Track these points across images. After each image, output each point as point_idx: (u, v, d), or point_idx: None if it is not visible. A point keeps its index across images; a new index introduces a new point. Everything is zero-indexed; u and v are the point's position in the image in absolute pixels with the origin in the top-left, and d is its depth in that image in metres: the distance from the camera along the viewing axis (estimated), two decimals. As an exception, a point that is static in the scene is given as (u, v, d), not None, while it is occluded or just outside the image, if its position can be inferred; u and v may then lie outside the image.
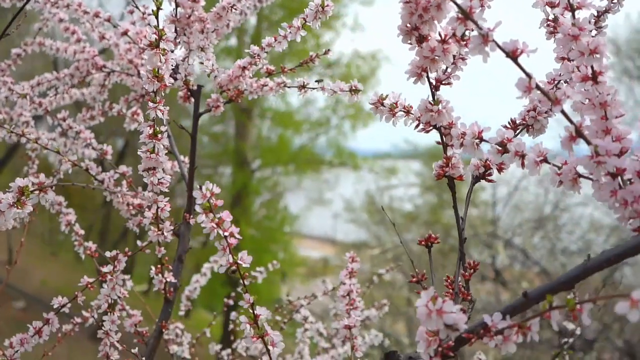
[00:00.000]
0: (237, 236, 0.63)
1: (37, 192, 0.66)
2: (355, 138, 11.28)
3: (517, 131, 0.69)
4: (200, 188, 0.62)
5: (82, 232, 1.10)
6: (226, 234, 0.62)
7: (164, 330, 0.99)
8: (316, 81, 0.93)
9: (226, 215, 0.63)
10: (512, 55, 0.51)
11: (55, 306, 0.91)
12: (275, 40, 0.90)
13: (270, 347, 0.65)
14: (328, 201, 11.86)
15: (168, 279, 0.97)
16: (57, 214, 1.09)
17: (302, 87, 0.95)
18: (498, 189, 7.55)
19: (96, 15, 1.10)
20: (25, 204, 0.68)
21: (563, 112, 0.51)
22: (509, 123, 0.69)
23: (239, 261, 0.63)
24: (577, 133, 0.52)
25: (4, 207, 0.67)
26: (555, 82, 0.70)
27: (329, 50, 1.01)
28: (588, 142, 0.51)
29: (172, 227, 0.91)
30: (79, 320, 1.09)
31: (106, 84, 1.20)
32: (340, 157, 11.06)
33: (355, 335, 0.95)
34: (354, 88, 0.85)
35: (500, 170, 0.68)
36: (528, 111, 0.69)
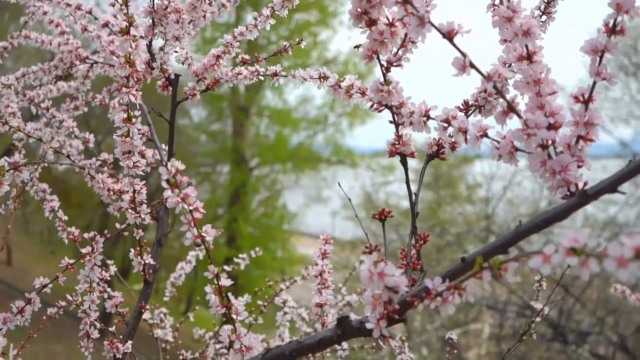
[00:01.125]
0: (202, 210, 0.67)
1: (11, 171, 0.70)
2: (352, 136, 11.32)
3: (470, 111, 0.73)
4: (166, 165, 0.65)
5: (65, 217, 1.13)
6: (191, 208, 0.66)
7: (143, 310, 1.03)
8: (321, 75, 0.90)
9: (191, 191, 0.67)
10: (449, 35, 0.54)
11: (36, 286, 0.95)
12: (247, 29, 0.94)
13: (234, 316, 0.68)
14: (326, 199, 11.90)
15: (147, 261, 1.00)
16: (42, 200, 1.13)
17: (275, 74, 0.98)
18: (494, 185, 7.60)
19: (78, 7, 1.13)
20: (1, 183, 0.71)
21: (495, 87, 0.55)
22: (461, 104, 0.73)
23: (203, 234, 0.67)
24: (510, 108, 0.55)
25: (-18, 186, 0.70)
26: (506, 64, 0.73)
27: (302, 40, 1.04)
28: (519, 116, 0.55)
29: (149, 210, 0.95)
30: (63, 303, 1.12)
31: (89, 75, 1.24)
32: (338, 155, 11.11)
33: (327, 313, 0.98)
34: (322, 75, 0.88)
35: (453, 149, 0.71)
36: (479, 92, 0.72)
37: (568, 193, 0.54)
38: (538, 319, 1.14)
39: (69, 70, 1.24)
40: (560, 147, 0.56)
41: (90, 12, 1.14)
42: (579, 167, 0.55)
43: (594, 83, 0.56)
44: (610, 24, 0.55)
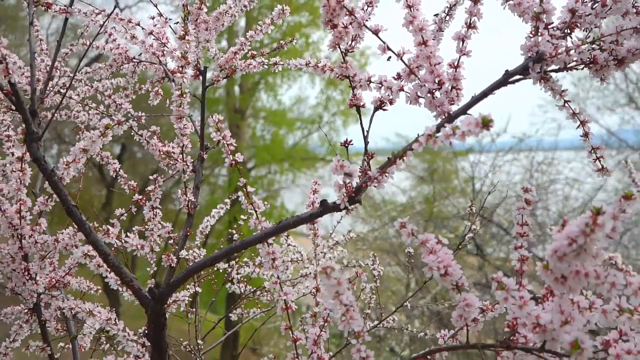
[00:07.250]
0: (234, 144, 1.09)
1: (116, 125, 1.12)
2: (347, 134, 11.73)
3: (402, 80, 1.15)
4: (212, 116, 1.08)
5: (125, 175, 1.55)
6: (228, 142, 1.08)
7: (188, 234, 1.44)
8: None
9: (227, 132, 1.09)
10: (375, 32, 0.97)
11: (117, 214, 1.36)
12: (255, 32, 1.37)
13: (256, 209, 1.11)
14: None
15: (190, 199, 1.43)
16: (107, 161, 1.54)
17: (275, 64, 1.41)
18: (484, 176, 8.05)
19: (129, 21, 1.55)
20: (107, 135, 1.13)
21: (402, 60, 0.97)
22: (396, 74, 1.15)
23: (236, 158, 1.09)
24: (410, 72, 0.98)
25: (95, 137, 1.13)
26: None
27: (293, 38, 1.47)
28: (416, 76, 0.97)
29: (192, 161, 1.37)
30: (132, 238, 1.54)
31: (136, 71, 1.66)
32: (334, 154, 11.49)
33: (317, 232, 1.40)
34: (308, 62, 1.31)
35: (391, 103, 1.13)
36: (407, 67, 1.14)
37: (444, 117, 0.96)
38: (470, 235, 1.55)
39: (120, 68, 1.66)
40: (443, 94, 0.99)
41: (138, 24, 1.56)
42: (452, 104, 0.97)
43: (459, 57, 0.98)
44: (468, 22, 0.98)
